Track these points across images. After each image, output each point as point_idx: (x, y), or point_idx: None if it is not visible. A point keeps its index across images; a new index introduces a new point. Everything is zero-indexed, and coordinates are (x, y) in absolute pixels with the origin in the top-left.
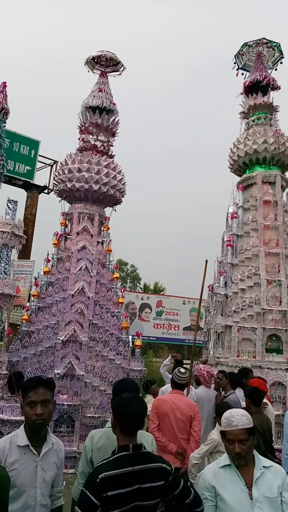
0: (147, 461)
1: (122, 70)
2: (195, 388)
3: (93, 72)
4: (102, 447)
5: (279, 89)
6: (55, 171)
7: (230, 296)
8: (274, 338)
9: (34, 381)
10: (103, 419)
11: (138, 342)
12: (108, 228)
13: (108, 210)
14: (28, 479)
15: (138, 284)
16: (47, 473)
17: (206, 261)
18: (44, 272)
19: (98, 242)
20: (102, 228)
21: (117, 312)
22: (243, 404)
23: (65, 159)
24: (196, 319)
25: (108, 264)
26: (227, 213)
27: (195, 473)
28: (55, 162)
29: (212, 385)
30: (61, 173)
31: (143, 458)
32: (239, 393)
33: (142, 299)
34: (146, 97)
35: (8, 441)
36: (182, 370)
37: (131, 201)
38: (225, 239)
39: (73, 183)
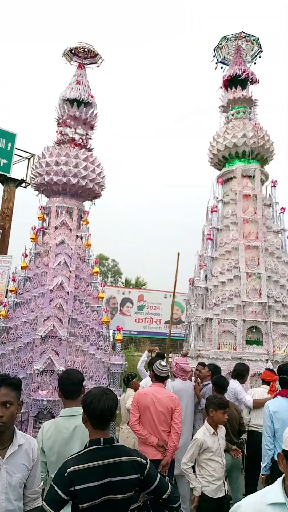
0: (120, 454)
1: (101, 62)
2: (172, 381)
3: (71, 64)
4: (50, 437)
5: (258, 83)
6: (32, 164)
7: (211, 289)
8: (254, 330)
9: None
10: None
11: (118, 336)
12: (87, 222)
13: (87, 204)
14: None
15: (119, 279)
16: (13, 476)
17: (178, 253)
18: (22, 267)
19: (77, 236)
20: (81, 222)
21: (97, 307)
22: (247, 396)
23: (43, 152)
24: (171, 313)
25: (88, 259)
26: (207, 206)
27: (190, 479)
28: (32, 155)
29: (193, 378)
30: (38, 166)
31: (114, 451)
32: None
33: (123, 293)
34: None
35: None
36: (163, 363)
37: (112, 195)
38: (205, 233)
39: (51, 176)
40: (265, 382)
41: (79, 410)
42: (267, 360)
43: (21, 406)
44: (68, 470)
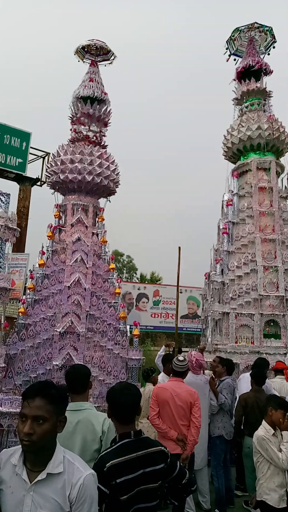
0: (148, 445)
1: (113, 59)
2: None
3: (84, 62)
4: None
5: (272, 73)
6: (47, 163)
7: (227, 283)
8: (271, 324)
9: (33, 389)
10: (102, 409)
11: (136, 331)
12: (103, 219)
13: (102, 201)
14: (12, 509)
15: (134, 275)
16: (38, 510)
17: (179, 248)
18: (39, 265)
19: (93, 233)
20: (97, 219)
21: (114, 302)
22: (272, 391)
23: (57, 151)
24: (177, 307)
25: (104, 255)
26: (222, 200)
27: None
28: (47, 154)
29: (207, 371)
30: (53, 164)
31: (144, 443)
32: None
33: (139, 289)
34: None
35: (10, 453)
36: (181, 358)
37: (126, 193)
38: (221, 227)
39: (66, 174)
40: (278, 372)
41: (84, 405)
42: (285, 353)
43: (64, 422)
44: (107, 465)
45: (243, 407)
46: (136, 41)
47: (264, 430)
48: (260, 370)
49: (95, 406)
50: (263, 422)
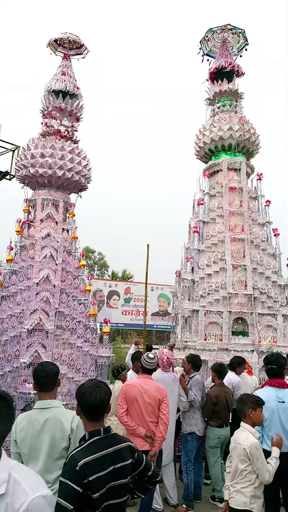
0: (117, 441)
1: (86, 53)
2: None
3: (56, 55)
4: (23, 429)
5: (244, 75)
6: (17, 156)
7: (197, 281)
8: (240, 321)
9: None
10: (71, 406)
11: (106, 329)
12: (74, 215)
13: (73, 197)
14: None
15: (106, 272)
16: None
17: (148, 245)
18: (7, 260)
19: (63, 229)
20: (67, 215)
21: (84, 299)
22: (241, 388)
23: (28, 144)
24: (145, 305)
25: (74, 252)
26: (194, 199)
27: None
28: (17, 147)
29: (177, 369)
30: (23, 158)
31: (113, 440)
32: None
33: (110, 286)
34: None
35: None
36: (151, 355)
37: (98, 187)
38: (192, 226)
39: (36, 168)
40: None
41: (52, 402)
42: (252, 350)
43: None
44: (80, 463)
45: (214, 404)
46: (108, 35)
47: (247, 434)
48: (222, 367)
49: (63, 404)
50: (246, 425)
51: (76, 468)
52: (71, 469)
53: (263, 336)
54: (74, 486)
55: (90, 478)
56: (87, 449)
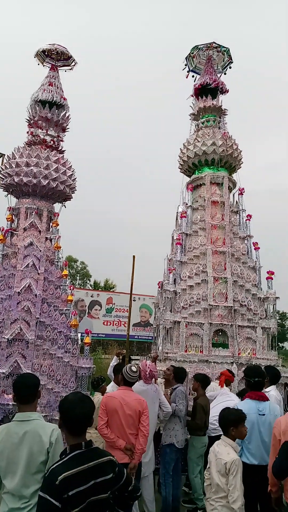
0: (99, 455)
1: (74, 65)
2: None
3: (43, 65)
4: (1, 441)
5: (227, 92)
6: (2, 164)
7: (179, 293)
8: (220, 333)
9: None
10: (50, 418)
11: (87, 339)
12: (57, 224)
13: (57, 206)
14: None
15: (88, 281)
16: None
17: (134, 257)
18: None
19: (46, 238)
20: (51, 224)
21: (66, 310)
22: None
23: (13, 153)
24: (129, 315)
25: (57, 261)
26: (177, 212)
27: None
28: (1, 155)
29: (159, 380)
30: (8, 166)
31: (94, 454)
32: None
33: (92, 296)
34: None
35: None
36: (134, 368)
37: (83, 198)
38: (175, 238)
39: (21, 177)
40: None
41: (32, 415)
42: (232, 362)
43: None
44: (59, 478)
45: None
46: (95, 46)
47: (229, 449)
48: (207, 378)
49: (42, 416)
50: (227, 439)
51: (56, 483)
52: (51, 483)
53: (242, 348)
54: (53, 501)
55: (70, 493)
56: (68, 463)
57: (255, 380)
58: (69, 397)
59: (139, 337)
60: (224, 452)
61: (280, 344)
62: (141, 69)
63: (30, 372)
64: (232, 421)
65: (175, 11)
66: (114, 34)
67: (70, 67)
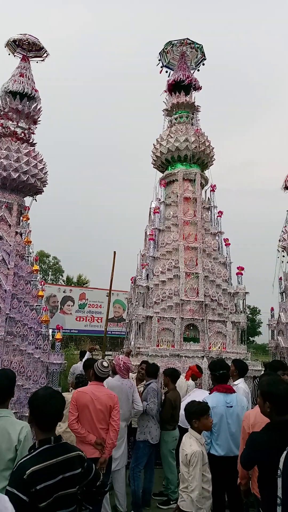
0: (68, 450)
1: (46, 57)
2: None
3: (14, 56)
4: None
5: (200, 89)
6: None
7: (151, 288)
8: (191, 328)
9: None
10: (20, 415)
11: (58, 335)
12: (28, 218)
13: (28, 200)
14: None
15: (60, 277)
16: None
17: (114, 252)
18: None
19: (16, 232)
20: (21, 218)
21: (37, 305)
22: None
23: None
24: (107, 311)
25: (28, 256)
26: (150, 207)
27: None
28: None
29: (131, 375)
30: None
31: (63, 449)
32: None
33: (64, 291)
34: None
35: None
36: (105, 364)
37: (55, 191)
38: (148, 233)
39: None
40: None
41: (2, 411)
42: (203, 356)
43: None
44: (27, 472)
45: (173, 408)
46: (72, 36)
47: (193, 441)
48: (176, 372)
49: (12, 412)
50: (193, 432)
51: (24, 477)
52: (18, 478)
53: (213, 342)
54: (21, 495)
55: (38, 487)
56: (36, 458)
57: (220, 373)
58: (39, 392)
59: (112, 332)
60: (187, 443)
61: (251, 338)
62: (121, 62)
63: (7, 368)
64: (194, 413)
65: (150, 7)
66: (88, 25)
67: (41, 58)
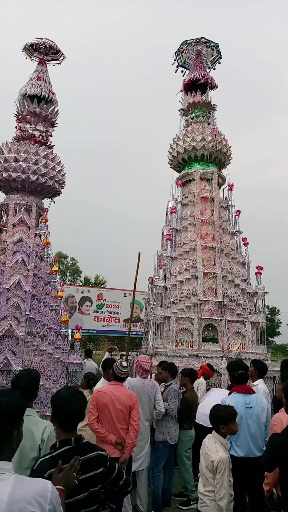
0: (89, 451)
1: (62, 60)
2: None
3: (31, 60)
4: None
5: (217, 88)
6: None
7: (169, 288)
8: (210, 328)
9: None
10: (41, 414)
11: (77, 335)
12: (47, 220)
13: (46, 202)
14: None
15: (78, 277)
16: None
17: (139, 253)
18: None
19: (35, 234)
20: (40, 220)
21: (56, 306)
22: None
23: (1, 148)
24: (131, 312)
25: (47, 257)
26: (167, 207)
27: None
28: None
29: (153, 375)
30: None
31: (84, 449)
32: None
33: (82, 292)
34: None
35: None
36: (124, 364)
37: (73, 193)
38: (165, 233)
39: (9, 173)
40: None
41: (26, 411)
42: (222, 357)
43: None
44: (48, 472)
45: (190, 408)
46: (87, 39)
47: (219, 446)
48: (194, 373)
49: None
50: (217, 436)
51: (45, 475)
52: (38, 477)
53: (232, 342)
54: None
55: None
56: (56, 458)
57: (239, 373)
58: (61, 392)
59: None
60: (213, 449)
61: (270, 339)
62: (137, 64)
63: (32, 368)
64: (222, 419)
65: (166, 9)
66: (109, 30)
67: (58, 62)
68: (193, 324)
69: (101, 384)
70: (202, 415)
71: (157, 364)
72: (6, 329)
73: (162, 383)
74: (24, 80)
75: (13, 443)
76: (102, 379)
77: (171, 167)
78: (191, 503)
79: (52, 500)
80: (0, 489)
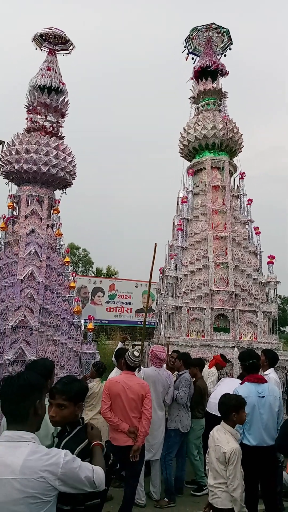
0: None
1: (72, 49)
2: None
3: (41, 50)
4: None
5: (228, 74)
6: (2, 151)
7: (180, 278)
8: (221, 318)
9: None
10: None
11: (90, 325)
12: (58, 211)
13: (58, 193)
14: None
15: (90, 268)
16: None
17: (155, 244)
18: None
19: (47, 225)
20: (52, 211)
21: (69, 296)
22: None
23: (12, 140)
24: (147, 303)
25: (59, 248)
26: (178, 197)
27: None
28: (1, 142)
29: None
30: (8, 154)
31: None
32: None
33: (94, 283)
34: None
35: None
36: (136, 353)
37: (83, 184)
38: (176, 223)
39: (21, 164)
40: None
41: None
42: (233, 346)
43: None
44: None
45: (202, 396)
46: (96, 30)
47: (230, 437)
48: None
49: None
50: (227, 427)
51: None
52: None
53: (244, 332)
54: None
55: None
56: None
57: (250, 363)
58: (62, 380)
59: (142, 323)
60: (223, 440)
61: (282, 328)
62: (151, 51)
63: (46, 358)
64: (233, 407)
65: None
66: (119, 19)
67: (68, 51)
68: (204, 314)
69: (115, 373)
70: (215, 405)
71: (170, 355)
72: (20, 320)
73: (175, 372)
74: (34, 70)
75: (38, 410)
76: (116, 369)
77: (182, 156)
78: (204, 488)
79: (64, 466)
80: (17, 455)
